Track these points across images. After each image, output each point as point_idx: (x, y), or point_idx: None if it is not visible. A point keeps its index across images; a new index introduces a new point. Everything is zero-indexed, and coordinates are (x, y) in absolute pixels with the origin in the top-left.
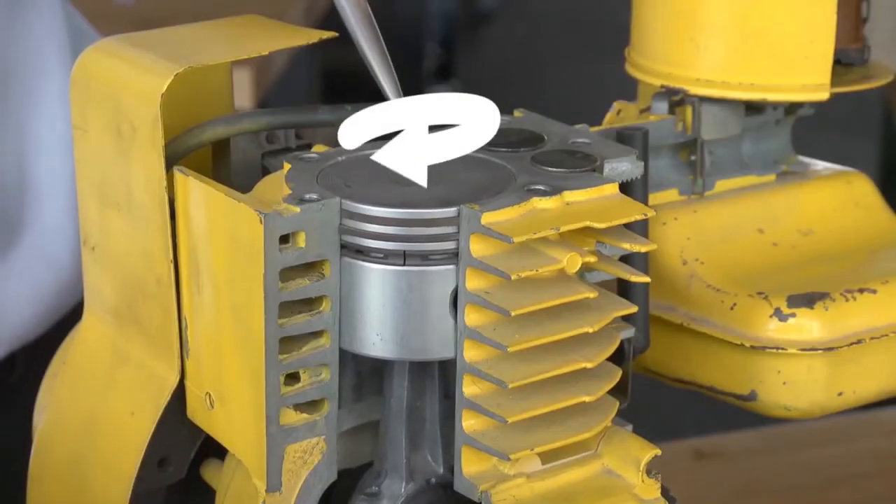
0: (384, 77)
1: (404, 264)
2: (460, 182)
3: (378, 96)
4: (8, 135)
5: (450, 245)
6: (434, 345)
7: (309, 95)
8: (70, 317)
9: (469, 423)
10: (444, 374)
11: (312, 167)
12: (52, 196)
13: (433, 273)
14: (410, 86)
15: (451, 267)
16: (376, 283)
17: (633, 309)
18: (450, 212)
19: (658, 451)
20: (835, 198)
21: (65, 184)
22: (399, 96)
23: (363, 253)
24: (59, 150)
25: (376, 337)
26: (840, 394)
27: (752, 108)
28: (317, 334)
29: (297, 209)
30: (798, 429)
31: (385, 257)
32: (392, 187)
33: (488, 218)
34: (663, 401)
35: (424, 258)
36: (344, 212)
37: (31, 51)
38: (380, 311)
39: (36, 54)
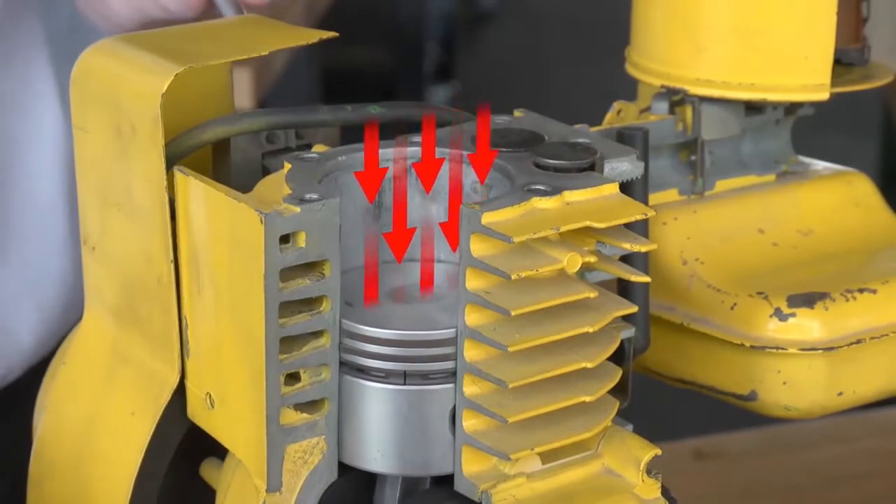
0: None
1: (405, 383)
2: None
3: (378, 97)
4: (6, 135)
5: (449, 364)
6: (434, 460)
7: (309, 95)
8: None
9: (469, 423)
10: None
11: (313, 167)
12: (50, 197)
13: (433, 392)
14: (410, 86)
15: (450, 385)
16: (377, 401)
17: (633, 309)
18: (449, 332)
19: (658, 451)
20: (835, 198)
21: (64, 185)
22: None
23: (364, 371)
24: (58, 151)
25: (377, 453)
26: (840, 394)
27: (752, 108)
28: (317, 334)
29: (298, 209)
30: (798, 429)
31: (386, 376)
32: (392, 306)
33: (488, 218)
34: (663, 401)
35: (425, 377)
36: (344, 331)
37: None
38: (380, 428)
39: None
